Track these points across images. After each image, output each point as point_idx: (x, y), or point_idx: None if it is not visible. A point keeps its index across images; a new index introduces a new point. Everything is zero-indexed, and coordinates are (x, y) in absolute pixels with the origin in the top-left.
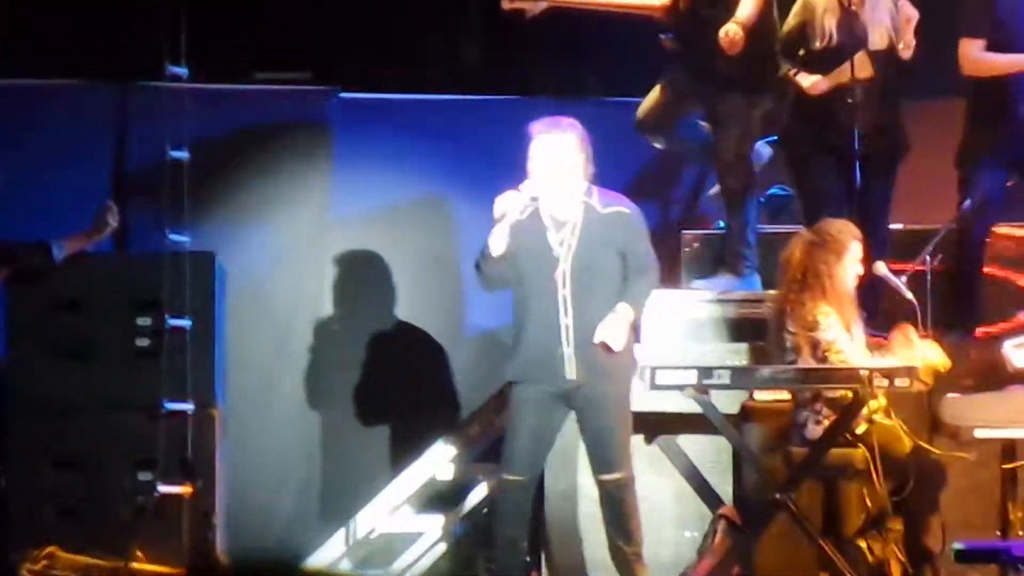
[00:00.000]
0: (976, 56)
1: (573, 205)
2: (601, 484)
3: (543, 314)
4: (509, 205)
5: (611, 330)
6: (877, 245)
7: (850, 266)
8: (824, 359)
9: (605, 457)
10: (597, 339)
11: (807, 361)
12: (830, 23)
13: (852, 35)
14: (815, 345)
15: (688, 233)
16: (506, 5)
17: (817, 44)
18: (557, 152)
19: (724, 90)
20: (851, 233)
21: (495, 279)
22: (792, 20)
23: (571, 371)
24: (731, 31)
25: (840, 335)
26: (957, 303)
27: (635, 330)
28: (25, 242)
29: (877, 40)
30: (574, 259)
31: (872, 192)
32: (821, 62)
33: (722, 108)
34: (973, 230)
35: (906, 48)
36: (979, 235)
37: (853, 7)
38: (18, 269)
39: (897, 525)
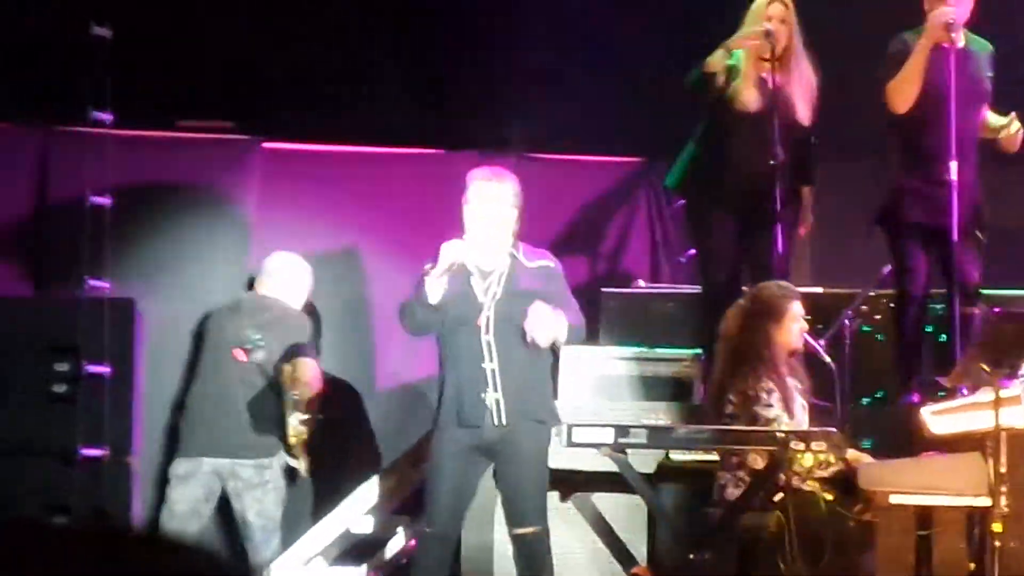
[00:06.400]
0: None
1: (500, 256)
2: (516, 538)
3: (469, 360)
4: (457, 255)
5: (538, 314)
6: None
7: (791, 326)
8: None
9: (521, 510)
10: (529, 327)
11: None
12: (750, 95)
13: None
14: (754, 419)
15: (608, 291)
16: None
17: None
18: (495, 202)
19: None
20: (790, 295)
21: (425, 326)
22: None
23: (499, 417)
24: None
25: (780, 411)
26: (896, 368)
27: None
28: None
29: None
30: (497, 306)
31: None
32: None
33: None
34: (901, 294)
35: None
36: (908, 299)
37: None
38: None
39: None
